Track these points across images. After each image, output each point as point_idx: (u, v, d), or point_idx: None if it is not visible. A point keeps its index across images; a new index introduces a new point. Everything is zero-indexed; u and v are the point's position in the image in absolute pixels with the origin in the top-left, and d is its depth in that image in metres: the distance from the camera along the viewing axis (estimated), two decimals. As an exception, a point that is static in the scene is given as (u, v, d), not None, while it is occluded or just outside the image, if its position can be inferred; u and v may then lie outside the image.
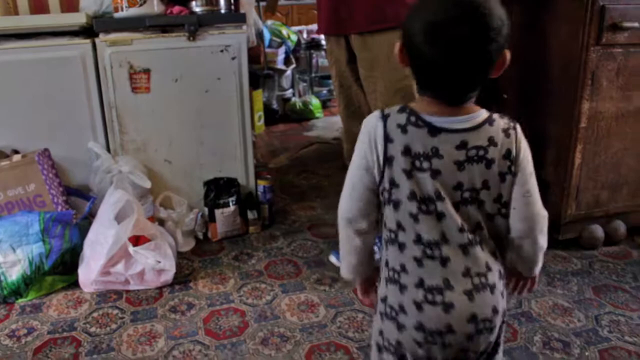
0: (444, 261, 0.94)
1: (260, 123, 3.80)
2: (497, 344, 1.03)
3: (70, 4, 2.44)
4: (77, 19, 2.12)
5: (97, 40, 2.15)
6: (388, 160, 0.94)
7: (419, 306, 0.95)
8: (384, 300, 1.00)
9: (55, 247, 1.92)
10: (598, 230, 2.22)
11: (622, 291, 1.96)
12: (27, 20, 2.16)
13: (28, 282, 1.89)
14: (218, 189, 2.33)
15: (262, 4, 3.66)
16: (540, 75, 2.18)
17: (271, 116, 3.93)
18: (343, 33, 1.86)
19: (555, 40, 2.09)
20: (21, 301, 1.90)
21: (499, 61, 0.92)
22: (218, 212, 2.31)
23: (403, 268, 0.97)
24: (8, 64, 2.08)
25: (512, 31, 2.38)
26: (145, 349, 1.66)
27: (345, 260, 1.09)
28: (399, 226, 0.96)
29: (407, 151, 0.93)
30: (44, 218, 1.89)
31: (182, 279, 2.04)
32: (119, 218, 1.97)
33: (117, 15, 2.16)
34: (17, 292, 1.88)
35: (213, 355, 1.63)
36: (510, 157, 0.94)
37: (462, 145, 0.92)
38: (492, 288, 0.96)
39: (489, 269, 0.96)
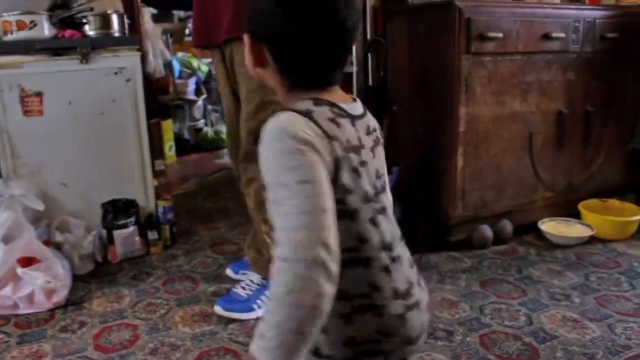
0: (401, 261, 0.85)
1: (171, 153, 3.83)
2: None
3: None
4: (-38, 43, 2.11)
5: (-16, 64, 2.13)
6: (340, 162, 0.77)
7: (402, 319, 0.82)
8: (351, 341, 0.81)
9: (-63, 272, 1.86)
10: (487, 231, 2.34)
11: (507, 283, 2.06)
12: None
13: None
14: (116, 211, 2.32)
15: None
16: (423, 86, 2.32)
17: (183, 146, 3.95)
18: (212, 43, 1.82)
19: (433, 51, 2.24)
20: None
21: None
22: (117, 234, 2.30)
23: (374, 286, 0.81)
24: None
25: (398, 47, 2.54)
26: (30, 367, 1.62)
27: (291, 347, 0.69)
28: (361, 239, 0.80)
29: (349, 147, 0.78)
30: None
31: (76, 300, 2.01)
32: (8, 240, 1.93)
33: (6, 38, 2.16)
34: None
35: (99, 368, 1.61)
36: (382, 138, 0.91)
37: (368, 130, 0.85)
38: (418, 280, 0.89)
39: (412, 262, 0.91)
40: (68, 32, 2.26)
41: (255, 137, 1.58)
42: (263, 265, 1.84)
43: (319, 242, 0.67)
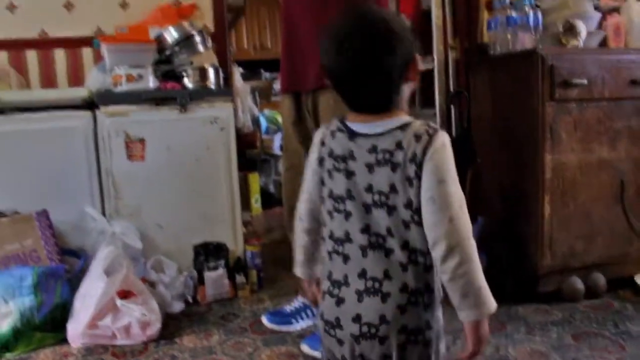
0: (346, 258, 1.02)
1: (257, 205, 3.96)
2: None
3: (77, 84, 2.70)
4: (80, 93, 2.35)
5: (97, 112, 2.35)
6: (320, 161, 1.06)
7: (324, 295, 1.06)
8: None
9: (47, 301, 2.01)
10: (577, 283, 2.26)
11: (602, 337, 1.97)
12: (36, 95, 2.41)
13: (18, 336, 1.95)
14: (207, 253, 2.42)
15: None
16: (507, 135, 2.33)
17: (268, 199, 4.08)
18: (298, 90, 2.00)
19: (516, 100, 2.27)
20: (9, 355, 1.95)
21: (410, 66, 0.98)
22: (207, 276, 2.39)
23: (327, 257, 1.08)
24: (17, 133, 2.29)
25: (481, 98, 2.56)
26: (125, 392, 1.70)
27: (295, 258, 1.20)
28: (323, 222, 1.08)
29: (331, 153, 1.04)
30: (38, 272, 2.00)
31: (168, 335, 2.09)
32: (110, 273, 2.06)
33: (116, 89, 2.38)
34: (5, 345, 1.94)
35: (191, 397, 1.66)
36: (416, 161, 0.94)
37: (373, 149, 0.98)
38: (385, 296, 0.97)
39: (387, 277, 0.97)
40: (170, 84, 2.47)
41: None
42: None
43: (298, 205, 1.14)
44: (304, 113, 2.02)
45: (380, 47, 0.95)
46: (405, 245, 0.97)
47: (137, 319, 2.00)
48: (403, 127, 0.97)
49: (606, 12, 2.56)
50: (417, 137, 0.95)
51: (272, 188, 4.30)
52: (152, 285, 2.32)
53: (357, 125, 1.01)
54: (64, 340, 2.04)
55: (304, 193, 1.13)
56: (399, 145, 0.96)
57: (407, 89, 1.08)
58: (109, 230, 2.28)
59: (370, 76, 0.97)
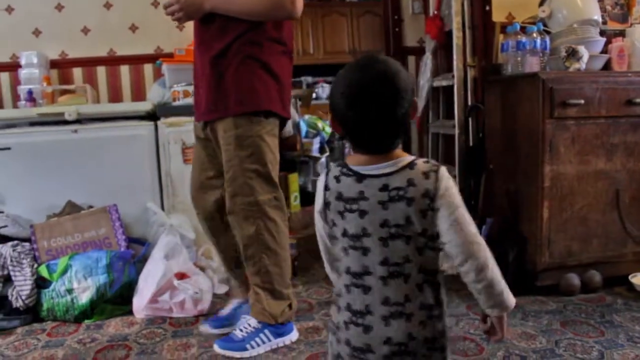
0: (366, 289, 1.11)
1: (296, 203, 4.31)
2: None
3: (139, 95, 3.13)
4: (144, 107, 2.77)
5: (158, 122, 2.77)
6: (326, 205, 1.15)
7: (347, 325, 1.13)
8: (330, 317, 1.21)
9: (117, 279, 2.43)
10: (574, 279, 2.54)
11: (587, 325, 2.25)
12: (108, 108, 2.84)
13: (94, 307, 2.38)
14: (249, 243, 2.81)
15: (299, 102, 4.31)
16: (514, 146, 2.63)
17: (306, 198, 4.42)
18: (202, 120, 2.12)
19: (521, 116, 2.55)
20: (87, 322, 2.39)
21: (411, 110, 1.11)
22: (249, 262, 2.78)
23: (339, 293, 1.16)
24: (91, 140, 2.74)
25: (493, 112, 2.86)
26: (181, 354, 2.10)
27: None
28: (337, 258, 1.16)
29: (339, 196, 1.13)
30: (110, 255, 2.43)
31: (215, 310, 2.48)
32: (169, 258, 2.48)
33: (174, 103, 2.79)
34: (85, 313, 2.38)
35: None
36: (430, 195, 1.07)
37: (384, 187, 1.08)
38: (409, 316, 1.09)
39: (407, 299, 1.09)
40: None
41: (236, 198, 2.06)
42: (260, 311, 2.14)
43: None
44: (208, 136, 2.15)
45: (394, 101, 1.07)
46: (420, 269, 1.10)
47: (190, 296, 2.40)
48: (411, 165, 1.10)
49: (611, 36, 2.82)
50: (426, 175, 1.08)
51: (310, 187, 4.64)
52: (202, 269, 2.72)
53: (363, 167, 1.12)
54: (130, 312, 2.46)
55: (319, 240, 1.24)
56: (410, 182, 1.08)
57: None
58: (168, 222, 2.69)
59: (384, 125, 1.09)
